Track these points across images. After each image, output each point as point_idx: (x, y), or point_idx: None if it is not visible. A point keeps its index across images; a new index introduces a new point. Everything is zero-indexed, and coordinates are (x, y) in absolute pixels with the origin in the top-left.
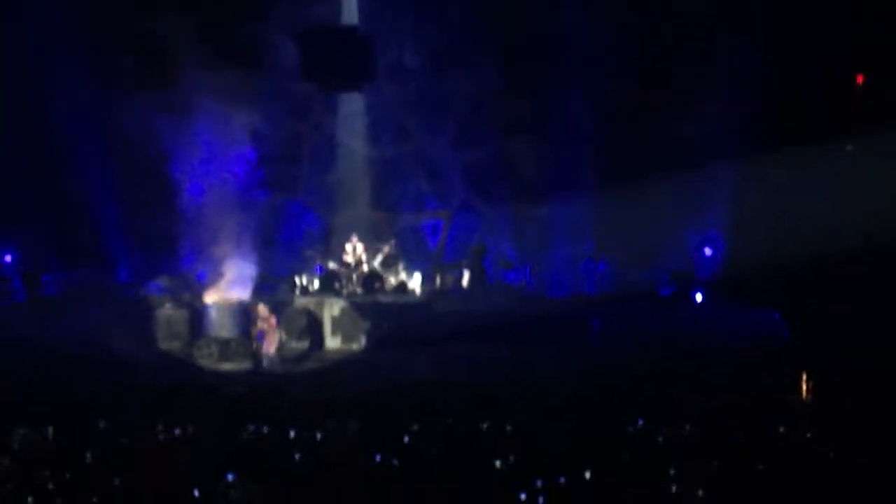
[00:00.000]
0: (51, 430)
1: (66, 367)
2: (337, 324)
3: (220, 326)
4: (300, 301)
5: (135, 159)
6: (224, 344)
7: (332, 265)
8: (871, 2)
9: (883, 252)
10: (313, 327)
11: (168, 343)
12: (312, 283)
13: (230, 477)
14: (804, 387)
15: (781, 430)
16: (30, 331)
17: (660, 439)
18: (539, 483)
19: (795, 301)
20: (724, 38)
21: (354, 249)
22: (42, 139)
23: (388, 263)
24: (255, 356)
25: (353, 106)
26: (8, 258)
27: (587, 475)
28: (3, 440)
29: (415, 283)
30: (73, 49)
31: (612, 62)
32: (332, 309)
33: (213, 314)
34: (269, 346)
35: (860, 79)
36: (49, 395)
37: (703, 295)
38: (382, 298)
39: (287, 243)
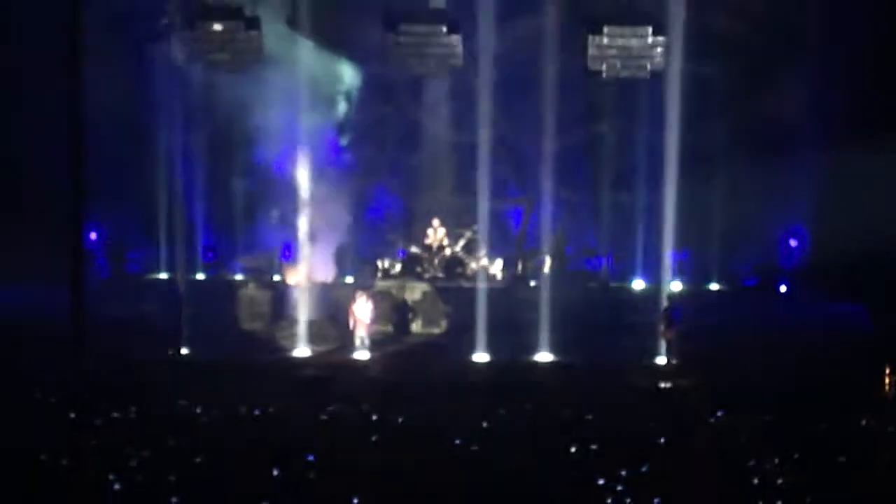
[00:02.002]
0: (133, 408)
1: (148, 346)
2: (419, 307)
3: (303, 308)
4: (382, 284)
5: (220, 142)
6: (306, 325)
7: (414, 249)
8: None
9: None
10: (395, 311)
11: (251, 323)
12: (394, 266)
13: (310, 457)
14: (888, 379)
15: (864, 422)
16: (116, 308)
17: (740, 430)
18: (619, 471)
19: (880, 293)
20: (816, 27)
21: (436, 234)
22: (131, 120)
23: (470, 249)
24: (343, 339)
25: (437, 91)
26: (94, 236)
27: (667, 464)
28: (87, 417)
29: (496, 268)
30: (161, 29)
31: (700, 48)
32: (414, 293)
33: (295, 295)
34: (360, 330)
35: None
36: (133, 373)
37: (787, 286)
38: (464, 283)
39: (370, 226)
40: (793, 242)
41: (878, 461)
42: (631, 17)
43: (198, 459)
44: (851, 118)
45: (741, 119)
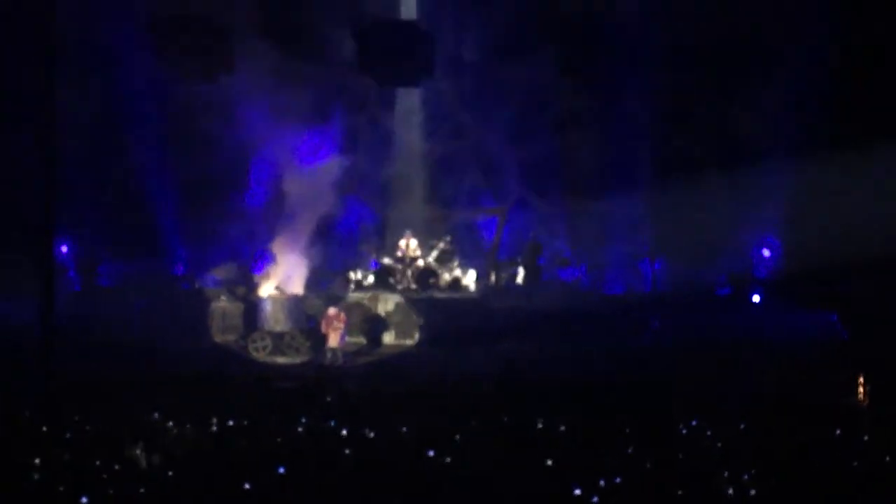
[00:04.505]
0: (105, 422)
1: (119, 358)
2: (391, 319)
3: (275, 320)
4: (354, 296)
5: (191, 151)
6: (278, 337)
7: (386, 260)
8: None
9: None
10: (367, 322)
11: (222, 335)
12: (367, 277)
13: (281, 470)
14: (861, 388)
15: (838, 432)
16: (85, 321)
17: (714, 440)
18: (592, 482)
19: (853, 303)
20: (786, 36)
21: (408, 245)
22: (101, 131)
23: (443, 259)
24: (315, 351)
25: (410, 101)
26: (64, 249)
27: (641, 474)
28: (57, 431)
29: (469, 279)
30: (132, 39)
31: (672, 58)
32: (387, 304)
33: (267, 307)
34: (332, 342)
35: None
36: (103, 386)
37: (760, 296)
38: (437, 294)
39: (342, 238)
40: (766, 252)
41: (852, 470)
42: None
43: (169, 473)
44: (822, 129)
45: (714, 129)
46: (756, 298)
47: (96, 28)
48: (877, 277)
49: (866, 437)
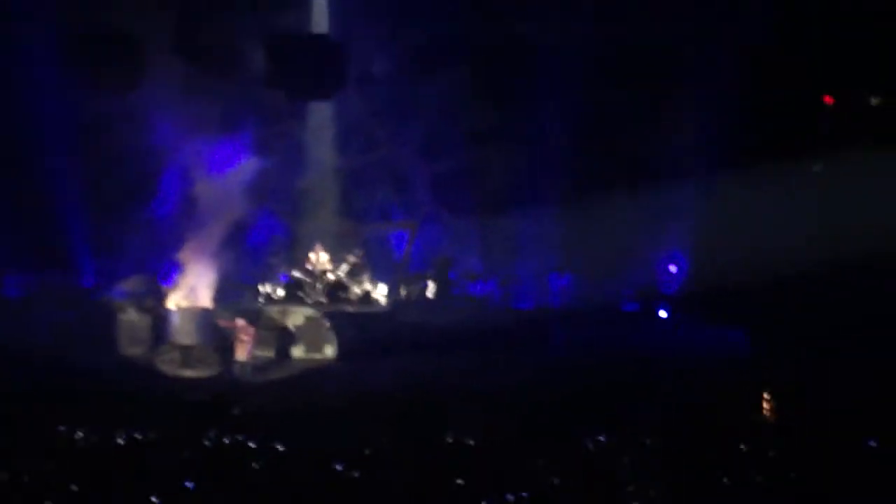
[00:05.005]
0: (10, 435)
1: (26, 370)
2: (301, 333)
3: (184, 333)
4: (264, 309)
5: (99, 161)
6: (187, 350)
7: (296, 274)
8: (842, 23)
9: (849, 268)
10: (277, 336)
11: (131, 348)
12: (276, 291)
13: (189, 485)
14: (767, 405)
15: (743, 447)
16: None
17: (621, 454)
18: (500, 496)
19: (760, 318)
20: (693, 55)
21: (319, 258)
22: (6, 140)
23: (354, 273)
24: (224, 364)
25: (322, 114)
26: None
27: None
28: None
29: (380, 293)
30: (38, 46)
31: (582, 75)
32: (297, 318)
33: (176, 320)
34: (241, 355)
35: (828, 99)
36: (8, 398)
37: (667, 311)
38: (347, 308)
39: (253, 250)
40: (672, 268)
41: (757, 485)
42: None
43: (73, 487)
44: (729, 145)
45: (622, 146)
46: (663, 314)
47: (5, 35)
48: (784, 293)
49: (771, 454)
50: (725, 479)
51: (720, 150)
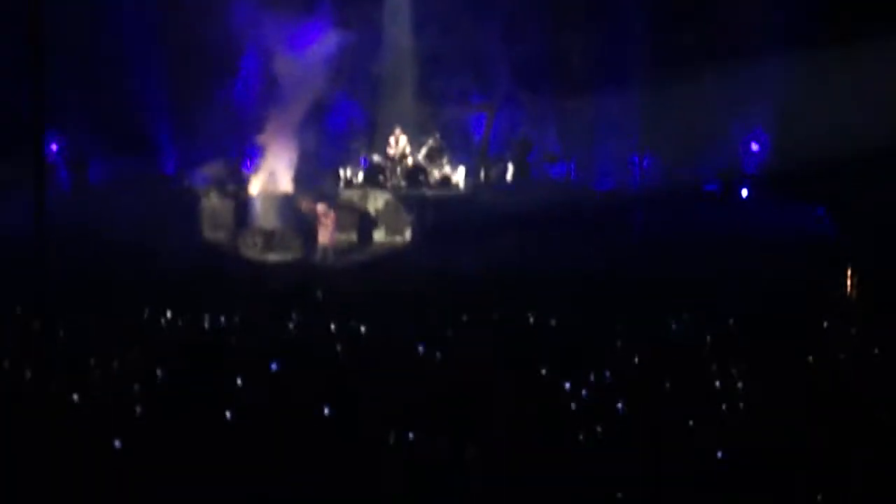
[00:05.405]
0: (98, 319)
1: (111, 257)
2: (381, 217)
3: (266, 217)
4: (345, 193)
5: (182, 49)
6: (269, 235)
7: (376, 158)
8: None
9: None
10: (358, 220)
11: (213, 234)
12: (357, 175)
13: (273, 366)
14: (849, 283)
15: (826, 324)
16: (76, 220)
17: (703, 334)
18: (582, 376)
19: (842, 198)
20: None
21: (398, 142)
22: (91, 27)
23: (433, 157)
24: (306, 248)
25: None
26: (54, 146)
27: (633, 368)
28: (50, 328)
29: (458, 176)
30: None
31: None
32: (377, 202)
33: (258, 205)
34: (323, 239)
35: None
36: (95, 284)
37: (748, 191)
38: (426, 192)
39: (332, 135)
40: (754, 146)
41: (840, 362)
42: None
43: (159, 371)
44: (812, 21)
45: (705, 22)
46: (745, 193)
47: None
48: (866, 172)
49: (854, 331)
50: (810, 358)
51: (802, 29)
